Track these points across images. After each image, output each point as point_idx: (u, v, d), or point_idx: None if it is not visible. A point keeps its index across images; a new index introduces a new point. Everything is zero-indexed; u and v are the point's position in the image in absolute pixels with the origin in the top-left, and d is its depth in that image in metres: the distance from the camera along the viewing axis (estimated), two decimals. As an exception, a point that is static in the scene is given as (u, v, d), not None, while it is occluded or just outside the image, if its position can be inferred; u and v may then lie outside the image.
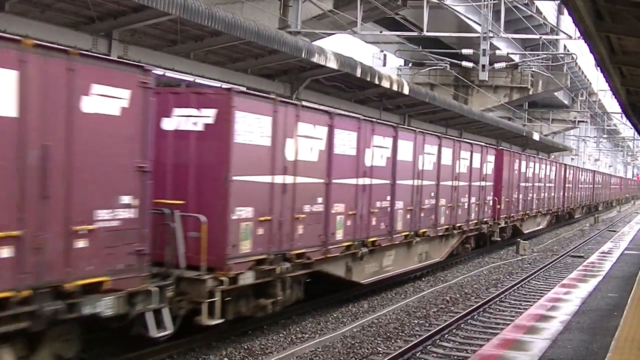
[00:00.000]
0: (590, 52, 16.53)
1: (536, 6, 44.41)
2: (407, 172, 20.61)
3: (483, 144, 30.02)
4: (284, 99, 15.47)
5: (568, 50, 52.79)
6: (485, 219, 29.14)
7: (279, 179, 14.52)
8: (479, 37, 31.76)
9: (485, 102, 52.97)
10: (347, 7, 30.02)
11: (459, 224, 25.68)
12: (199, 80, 21.31)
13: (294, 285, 15.43)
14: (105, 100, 10.14)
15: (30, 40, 9.24)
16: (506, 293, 21.41)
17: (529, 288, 22.93)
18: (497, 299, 20.37)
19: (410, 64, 55.04)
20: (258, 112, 13.76)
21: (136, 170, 10.71)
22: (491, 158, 29.86)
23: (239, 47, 21.81)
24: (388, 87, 28.18)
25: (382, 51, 57.56)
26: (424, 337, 15.12)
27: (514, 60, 47.68)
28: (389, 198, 19.26)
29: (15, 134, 8.99)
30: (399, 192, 19.89)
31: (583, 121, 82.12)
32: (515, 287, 22.49)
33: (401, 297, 20.43)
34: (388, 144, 19.30)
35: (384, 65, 57.24)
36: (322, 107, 18.00)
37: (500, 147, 36.89)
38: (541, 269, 26.93)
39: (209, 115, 13.11)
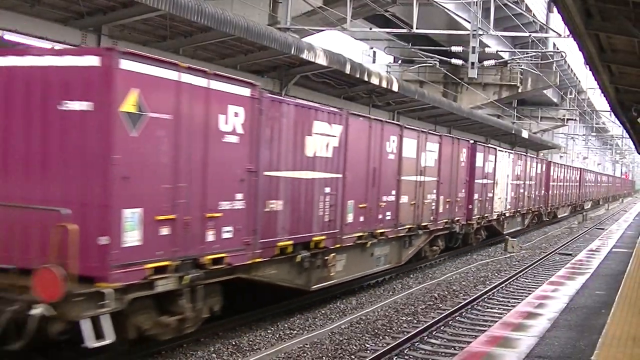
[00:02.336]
0: (580, 50, 16.55)
1: (526, 4, 44.44)
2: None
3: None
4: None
5: (557, 48, 52.85)
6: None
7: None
8: (468, 34, 31.74)
9: (475, 99, 53.00)
10: (337, 3, 30.00)
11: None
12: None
13: None
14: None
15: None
16: (494, 290, 21.44)
17: (517, 285, 22.98)
18: (485, 296, 20.40)
19: (399, 61, 55.01)
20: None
21: None
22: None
23: (228, 43, 21.79)
24: (377, 84, 28.18)
25: (372, 48, 57.53)
26: (412, 334, 15.14)
27: (503, 58, 47.73)
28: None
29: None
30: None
31: (572, 119, 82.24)
32: (503, 285, 22.53)
33: (389, 294, 20.45)
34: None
35: (374, 62, 57.19)
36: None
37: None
38: (529, 266, 26.98)
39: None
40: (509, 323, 11.88)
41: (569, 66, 65.91)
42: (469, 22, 33.64)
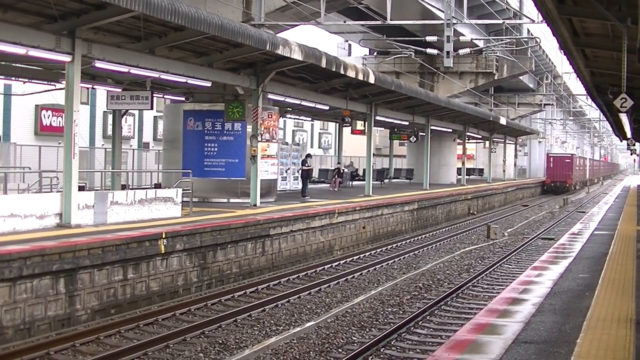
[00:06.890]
0: (553, 35, 16.62)
1: (498, -9, 44.59)
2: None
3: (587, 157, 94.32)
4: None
5: (532, 34, 53.10)
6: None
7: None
8: (442, 23, 31.87)
9: (452, 88, 53.19)
10: (310, -3, 29.99)
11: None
12: (164, 76, 21.19)
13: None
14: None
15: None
16: (478, 278, 21.53)
17: (500, 272, 23.08)
18: (469, 284, 20.48)
19: (375, 53, 55.10)
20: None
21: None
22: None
23: (203, 42, 21.71)
24: (354, 76, 28.12)
25: (347, 41, 57.57)
26: (398, 324, 15.18)
27: (478, 46, 47.88)
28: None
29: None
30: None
31: (549, 104, 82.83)
32: (487, 272, 22.63)
33: (374, 285, 20.48)
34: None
35: (349, 55, 57.23)
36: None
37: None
38: (512, 252, 27.11)
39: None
40: (494, 310, 11.91)
41: (543, 52, 66.24)
42: (443, 12, 33.76)
